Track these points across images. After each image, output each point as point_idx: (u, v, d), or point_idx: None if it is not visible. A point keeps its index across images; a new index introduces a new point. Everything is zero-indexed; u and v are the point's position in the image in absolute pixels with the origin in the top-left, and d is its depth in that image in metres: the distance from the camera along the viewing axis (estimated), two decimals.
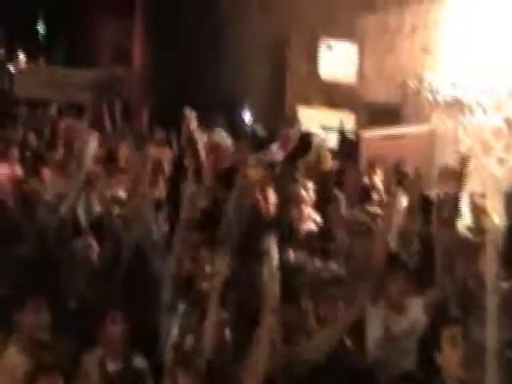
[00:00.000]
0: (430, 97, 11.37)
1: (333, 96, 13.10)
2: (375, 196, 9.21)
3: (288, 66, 14.10)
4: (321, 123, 12.45)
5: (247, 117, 13.38)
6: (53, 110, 14.56)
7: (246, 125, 13.52)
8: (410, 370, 5.04)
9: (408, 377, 4.73)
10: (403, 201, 7.28)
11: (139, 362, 5.04)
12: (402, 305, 5.45)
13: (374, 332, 5.29)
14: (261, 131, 13.30)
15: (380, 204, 8.87)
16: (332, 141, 11.66)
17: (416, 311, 5.44)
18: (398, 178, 8.85)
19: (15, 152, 11.26)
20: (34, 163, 11.00)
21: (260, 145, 12.33)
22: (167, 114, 15.24)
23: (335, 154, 11.04)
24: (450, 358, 4.68)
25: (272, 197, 7.20)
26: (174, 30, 17.55)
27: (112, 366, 4.95)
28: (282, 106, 13.74)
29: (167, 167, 9.78)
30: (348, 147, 11.36)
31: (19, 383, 4.20)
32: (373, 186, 9.36)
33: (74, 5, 22.93)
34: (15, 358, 4.62)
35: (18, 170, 10.74)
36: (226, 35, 15.93)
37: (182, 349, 5.00)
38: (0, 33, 26.55)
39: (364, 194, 9.19)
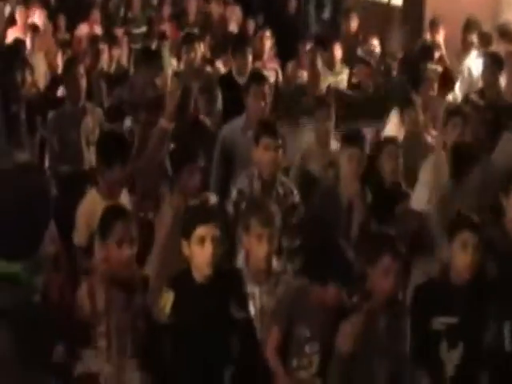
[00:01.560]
0: None
1: None
2: (437, 54, 9.26)
3: None
4: None
5: None
6: None
7: None
8: None
9: None
10: None
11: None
12: None
13: None
14: None
15: (441, 61, 8.99)
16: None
17: None
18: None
19: (96, 14, 11.59)
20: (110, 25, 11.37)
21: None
22: None
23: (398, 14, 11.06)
24: None
25: None
26: None
27: None
28: None
29: None
30: (413, 5, 11.26)
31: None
32: (435, 44, 9.40)
33: None
34: (96, 200, 4.79)
35: (98, 30, 11.13)
36: None
37: None
38: None
39: (426, 51, 9.22)
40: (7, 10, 11.45)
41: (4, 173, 2.37)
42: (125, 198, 4.94)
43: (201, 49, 7.61)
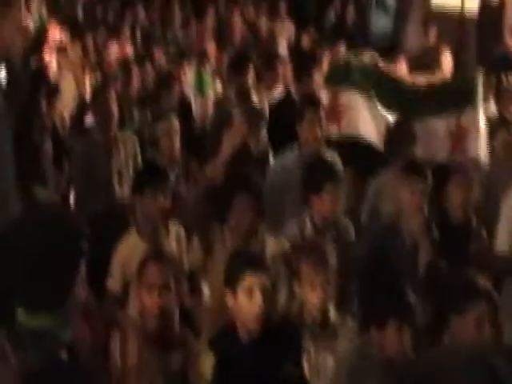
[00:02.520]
0: None
1: None
2: None
3: None
4: None
5: None
6: None
7: None
8: None
9: None
10: None
11: None
12: None
13: None
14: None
15: None
16: (471, 5, 11.55)
17: None
18: None
19: (127, 32, 11.70)
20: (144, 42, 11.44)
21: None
22: None
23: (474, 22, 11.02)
24: None
25: None
26: None
27: None
28: None
29: None
30: (491, 12, 11.22)
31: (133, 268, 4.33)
32: None
33: None
34: (135, 242, 4.86)
35: (129, 50, 11.22)
36: None
37: None
38: None
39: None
40: (30, 25, 11.64)
41: (30, 214, 2.39)
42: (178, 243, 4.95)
43: (250, 73, 7.62)
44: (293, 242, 4.98)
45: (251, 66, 7.47)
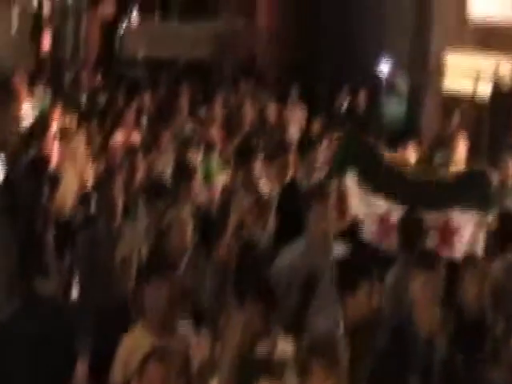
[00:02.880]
0: None
1: (487, 39, 13.00)
2: None
3: (433, 5, 14.04)
4: (472, 71, 12.49)
5: (387, 66, 13.53)
6: None
7: (385, 78, 13.69)
8: None
9: None
10: None
11: None
12: None
13: None
14: (402, 85, 13.48)
15: None
16: (484, 92, 11.73)
17: None
18: None
19: (132, 117, 11.82)
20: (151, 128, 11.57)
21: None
22: (295, 73, 15.67)
23: (487, 109, 11.20)
24: None
25: None
26: None
27: None
28: (426, 52, 13.75)
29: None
30: (503, 100, 11.38)
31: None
32: None
33: None
34: (141, 336, 4.84)
35: (135, 136, 11.33)
36: None
37: None
38: None
39: None
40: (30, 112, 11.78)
41: (30, 307, 2.46)
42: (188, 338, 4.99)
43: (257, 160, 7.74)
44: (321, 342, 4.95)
45: (258, 153, 7.62)
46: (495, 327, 5.63)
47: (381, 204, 7.01)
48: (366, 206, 7.05)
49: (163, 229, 6.50)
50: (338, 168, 7.22)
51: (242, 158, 7.69)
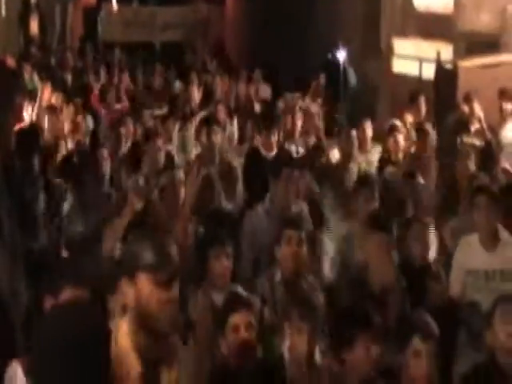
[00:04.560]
0: None
1: (429, 26, 13.06)
2: (475, 126, 9.35)
3: None
4: (417, 55, 12.58)
5: (341, 55, 13.47)
6: None
7: (339, 68, 13.62)
8: None
9: None
10: None
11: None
12: None
13: None
14: (353, 78, 13.47)
15: (481, 134, 9.06)
16: (429, 72, 11.78)
17: None
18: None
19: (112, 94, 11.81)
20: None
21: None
22: (259, 57, 15.62)
23: (431, 86, 11.22)
24: None
25: None
26: None
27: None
28: (376, 40, 13.81)
29: None
30: (445, 78, 11.43)
31: None
32: (472, 117, 9.49)
33: None
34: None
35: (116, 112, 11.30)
36: None
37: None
38: None
39: (462, 124, 9.31)
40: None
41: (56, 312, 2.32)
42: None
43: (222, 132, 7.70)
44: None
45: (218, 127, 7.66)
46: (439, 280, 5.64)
47: None
48: None
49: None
50: None
51: (209, 130, 7.66)
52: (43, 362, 2.21)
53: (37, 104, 9.79)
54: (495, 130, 9.34)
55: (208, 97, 12.07)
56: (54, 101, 10.94)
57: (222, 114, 10.11)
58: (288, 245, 5.03)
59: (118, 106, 11.55)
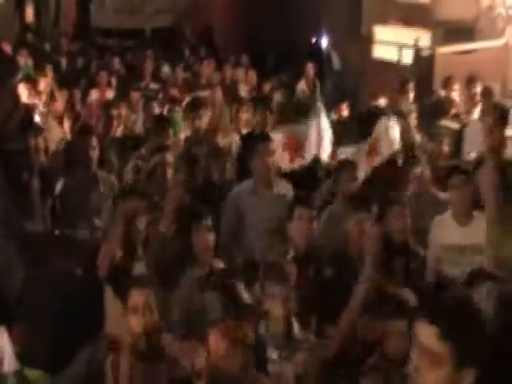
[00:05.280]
0: (503, 12, 11.34)
1: (408, 14, 13.08)
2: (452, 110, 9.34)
3: None
4: (397, 41, 12.60)
5: (324, 40, 13.44)
6: None
7: (322, 52, 13.55)
8: None
9: None
10: None
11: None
12: None
13: None
14: (337, 63, 13.42)
15: (458, 118, 9.06)
16: (407, 57, 11.80)
17: None
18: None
19: (104, 76, 11.63)
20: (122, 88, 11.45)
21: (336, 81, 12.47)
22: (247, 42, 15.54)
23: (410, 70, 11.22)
24: None
25: None
26: None
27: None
28: (358, 26, 13.78)
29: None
30: (423, 63, 11.45)
31: None
32: (449, 101, 9.49)
33: None
34: None
35: (109, 94, 11.19)
36: None
37: None
38: None
39: (439, 108, 9.30)
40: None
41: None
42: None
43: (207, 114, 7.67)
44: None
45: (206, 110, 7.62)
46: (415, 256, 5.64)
47: None
48: None
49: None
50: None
51: (193, 113, 7.61)
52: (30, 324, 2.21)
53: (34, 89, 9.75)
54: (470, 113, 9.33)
55: (196, 81, 12.00)
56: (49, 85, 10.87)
57: (218, 95, 10.04)
58: (299, 221, 5.01)
59: (109, 90, 11.44)
